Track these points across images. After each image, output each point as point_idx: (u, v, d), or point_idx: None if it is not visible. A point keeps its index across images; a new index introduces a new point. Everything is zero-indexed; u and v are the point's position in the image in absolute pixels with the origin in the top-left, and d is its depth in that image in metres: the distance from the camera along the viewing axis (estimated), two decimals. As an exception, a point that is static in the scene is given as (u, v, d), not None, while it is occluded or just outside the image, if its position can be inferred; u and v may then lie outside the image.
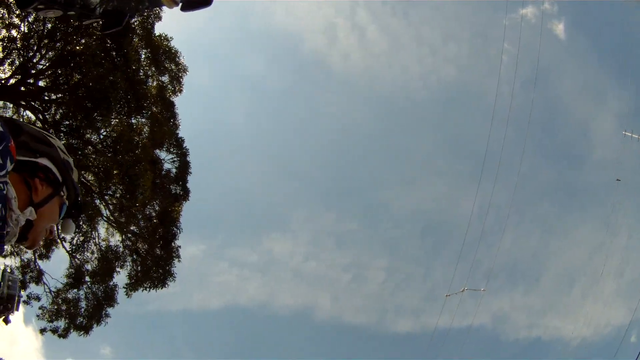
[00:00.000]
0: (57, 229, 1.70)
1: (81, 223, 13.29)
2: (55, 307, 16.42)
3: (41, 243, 1.50)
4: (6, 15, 14.61)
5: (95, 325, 16.36)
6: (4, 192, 1.21)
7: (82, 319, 16.34)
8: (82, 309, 15.89)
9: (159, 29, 12.89)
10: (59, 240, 15.30)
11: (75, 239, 14.77)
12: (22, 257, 16.22)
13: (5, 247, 1.33)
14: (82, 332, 16.64)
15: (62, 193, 1.49)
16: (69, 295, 16.28)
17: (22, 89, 14.33)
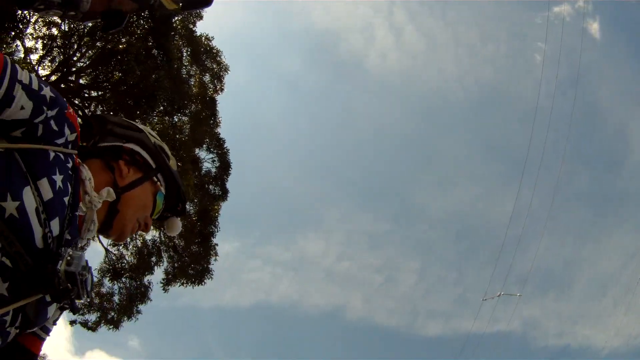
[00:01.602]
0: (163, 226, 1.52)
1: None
2: (88, 300, 16.66)
3: (131, 234, 1.35)
4: (49, 15, 14.87)
5: (125, 320, 16.56)
6: (69, 164, 1.13)
7: (113, 313, 16.56)
8: (115, 304, 16.11)
9: (200, 27, 13.00)
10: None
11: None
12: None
13: (86, 237, 1.24)
14: (111, 327, 16.87)
15: (155, 179, 1.36)
16: (102, 290, 16.52)
17: (63, 85, 14.55)
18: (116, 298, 15.97)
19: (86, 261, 1.11)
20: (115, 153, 1.31)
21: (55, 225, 1.07)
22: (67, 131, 1.13)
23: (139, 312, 16.58)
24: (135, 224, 1.32)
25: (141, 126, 1.41)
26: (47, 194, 1.05)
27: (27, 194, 1.02)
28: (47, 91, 1.10)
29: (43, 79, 14.59)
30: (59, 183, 1.08)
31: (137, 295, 15.72)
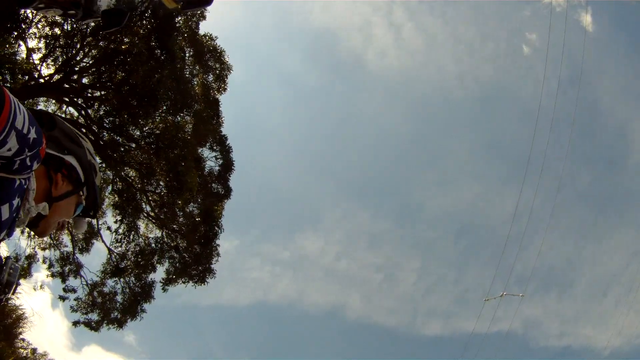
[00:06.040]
0: (69, 225, 1.75)
1: (93, 222, 13.44)
2: (91, 299, 16.69)
3: (51, 233, 1.58)
4: (49, 14, 14.85)
5: (129, 320, 16.56)
6: (25, 186, 1.29)
7: (116, 313, 16.56)
8: (118, 303, 16.12)
9: (203, 27, 12.96)
10: (81, 235, 15.53)
11: (114, 234, 14.99)
12: (62, 250, 16.58)
13: (15, 230, 1.42)
14: (115, 326, 16.89)
15: (81, 193, 1.55)
16: (105, 289, 16.54)
17: (66, 85, 14.54)
18: (119, 297, 16.03)
19: (18, 268, 1.39)
20: (57, 165, 1.46)
21: (3, 234, 1.27)
22: (35, 165, 1.28)
23: (143, 310, 16.60)
24: (56, 225, 1.53)
25: (83, 142, 1.58)
26: (5, 215, 1.23)
27: None
28: (32, 133, 1.20)
29: (46, 78, 14.61)
30: (15, 205, 1.25)
31: (141, 295, 15.73)
